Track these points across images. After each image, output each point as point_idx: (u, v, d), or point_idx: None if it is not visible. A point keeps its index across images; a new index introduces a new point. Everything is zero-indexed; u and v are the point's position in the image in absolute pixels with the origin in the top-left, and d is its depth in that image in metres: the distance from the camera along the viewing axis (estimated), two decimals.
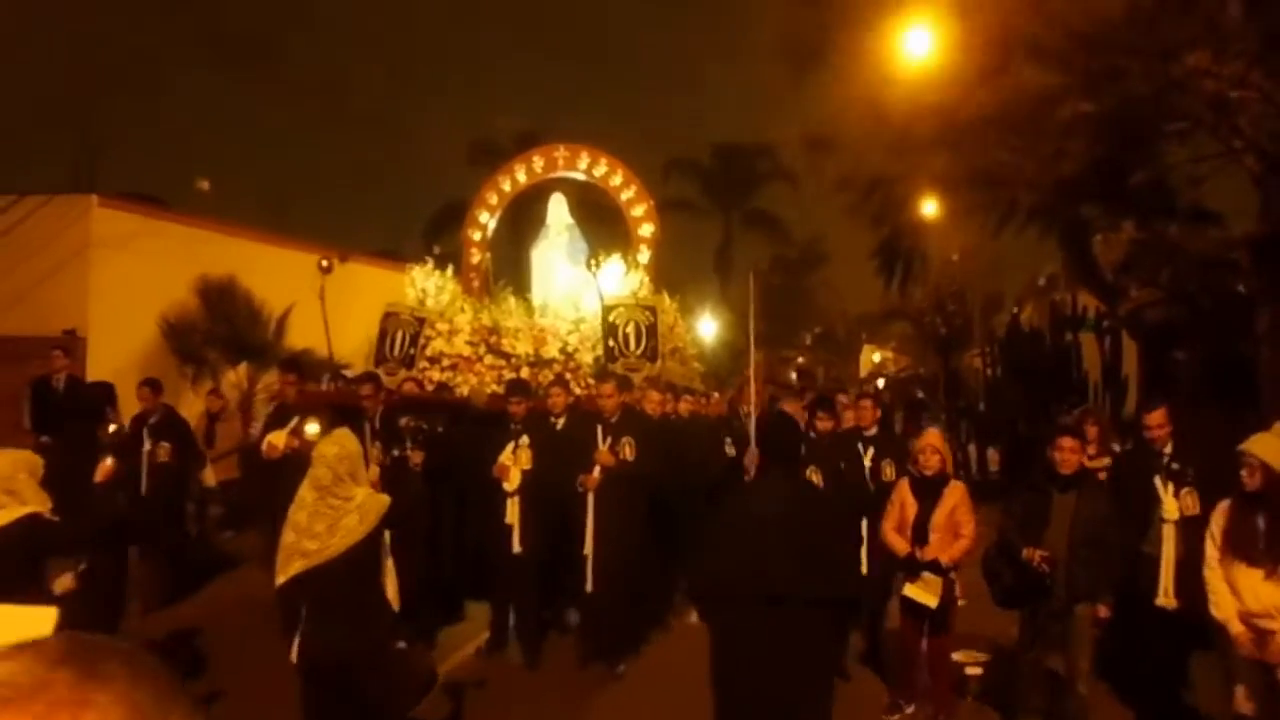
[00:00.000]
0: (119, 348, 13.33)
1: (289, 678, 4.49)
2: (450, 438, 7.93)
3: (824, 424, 7.49)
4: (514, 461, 7.24)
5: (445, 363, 9.72)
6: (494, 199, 11.75)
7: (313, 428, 6.57)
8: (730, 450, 9.37)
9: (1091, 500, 5.56)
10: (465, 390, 9.25)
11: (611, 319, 9.12)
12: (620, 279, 10.04)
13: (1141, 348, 17.22)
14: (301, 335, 14.56)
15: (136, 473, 8.83)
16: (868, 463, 7.19)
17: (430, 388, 9.30)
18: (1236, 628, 4.80)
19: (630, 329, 9.08)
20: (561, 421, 7.62)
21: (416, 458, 7.22)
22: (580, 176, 11.56)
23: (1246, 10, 11.05)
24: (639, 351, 9.01)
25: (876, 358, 51.42)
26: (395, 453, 7.25)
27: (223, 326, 14.59)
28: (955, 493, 6.04)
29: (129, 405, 9.50)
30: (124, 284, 13.78)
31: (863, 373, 47.20)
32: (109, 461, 6.86)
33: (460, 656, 7.50)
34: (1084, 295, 18.65)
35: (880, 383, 38.86)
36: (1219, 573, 4.94)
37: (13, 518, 4.51)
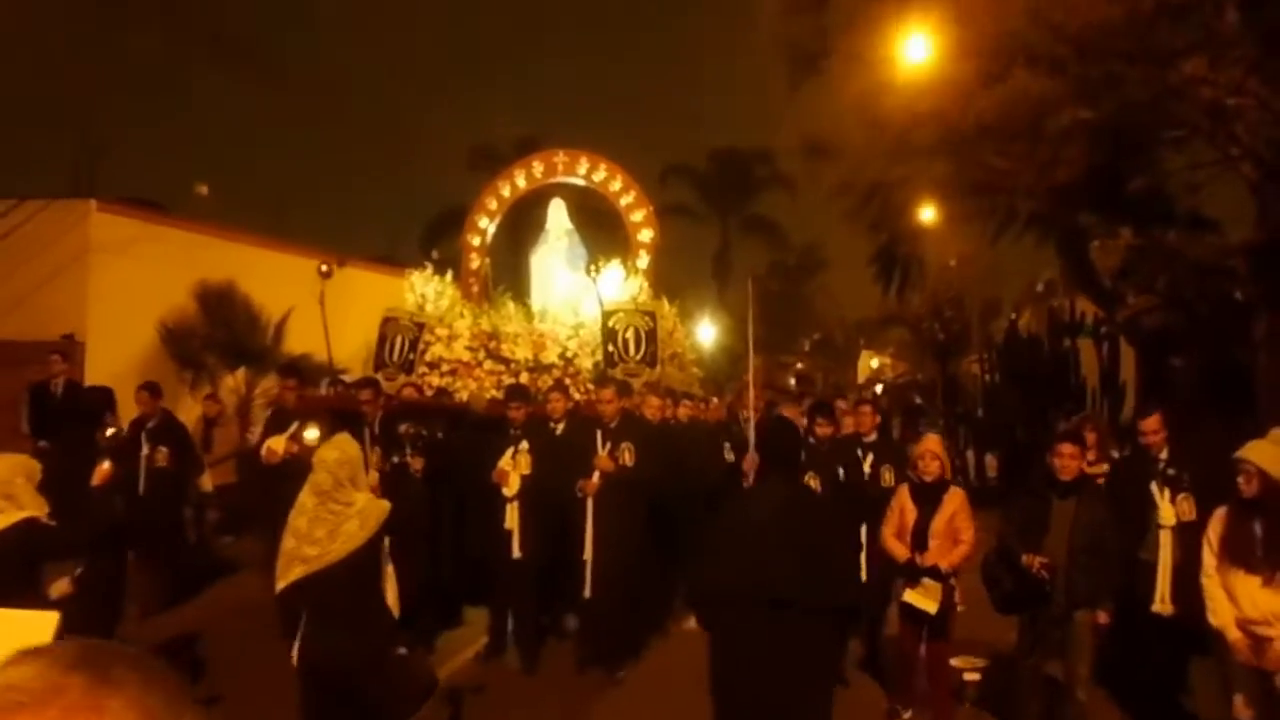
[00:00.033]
0: (117, 353, 13.32)
1: (288, 683, 4.49)
2: (449, 443, 7.94)
3: (823, 430, 7.50)
4: (513, 467, 7.25)
5: (444, 368, 9.74)
6: (494, 204, 11.77)
7: (312, 433, 6.58)
8: (729, 456, 9.38)
9: (1091, 506, 5.57)
10: (464, 395, 9.26)
11: (611, 324, 9.14)
12: (620, 284, 10.06)
13: (1139, 354, 17.23)
14: (300, 340, 14.56)
15: (134, 477, 8.83)
16: (867, 469, 7.21)
17: (429, 393, 9.31)
18: (1234, 635, 4.80)
19: (630, 334, 9.09)
20: (561, 427, 7.63)
21: (417, 464, 7.23)
22: (580, 182, 11.59)
23: (1243, 18, 11.08)
24: (638, 357, 9.02)
25: (874, 363, 51.46)
26: (395, 459, 7.25)
27: (221, 331, 14.58)
28: (955, 499, 6.04)
29: (128, 410, 9.50)
30: (123, 289, 13.77)
31: (860, 378, 47.21)
32: (106, 465, 6.86)
33: (459, 662, 7.50)
34: (1082, 301, 18.67)
35: (878, 388, 38.88)
36: (1216, 580, 4.94)
37: (9, 522, 4.52)
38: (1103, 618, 5.50)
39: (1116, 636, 5.81)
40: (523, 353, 9.64)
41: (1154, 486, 6.08)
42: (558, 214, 11.65)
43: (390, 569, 4.61)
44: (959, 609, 6.03)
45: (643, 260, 10.85)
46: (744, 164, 34.79)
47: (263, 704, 5.47)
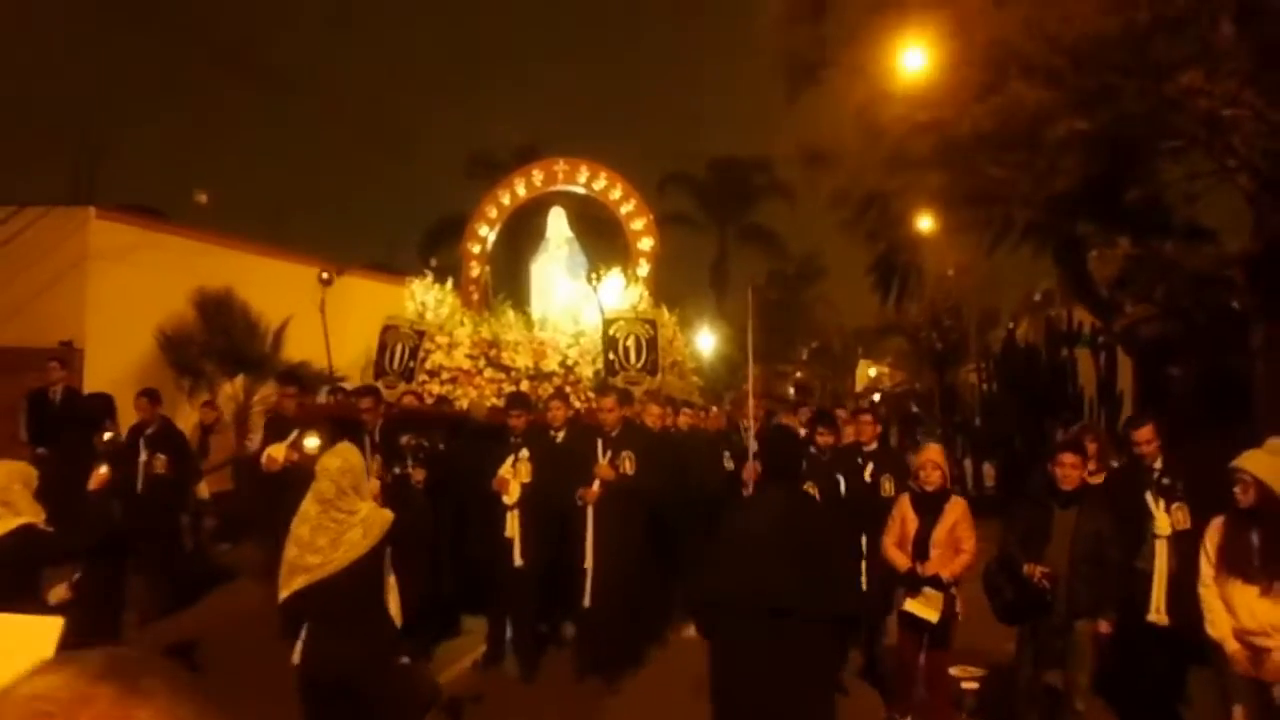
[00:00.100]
0: (116, 359, 13.32)
1: (288, 692, 4.49)
2: (450, 453, 7.93)
3: (824, 439, 7.52)
4: (514, 475, 7.25)
5: (445, 376, 9.74)
6: (493, 212, 11.80)
7: (312, 441, 6.57)
8: (729, 464, 9.39)
9: (1092, 516, 5.57)
10: (465, 403, 9.27)
11: (612, 332, 9.15)
12: (620, 292, 10.07)
13: (1136, 363, 17.27)
14: (298, 348, 14.56)
15: (132, 483, 8.82)
16: (867, 478, 7.22)
17: (430, 401, 9.31)
18: (1232, 646, 4.79)
19: (630, 342, 9.10)
20: (561, 435, 7.63)
21: (418, 475, 7.23)
22: (580, 190, 11.61)
23: (1239, 30, 11.12)
24: (639, 365, 9.03)
25: (872, 372, 51.50)
26: (396, 470, 7.24)
27: (220, 338, 14.58)
28: (956, 508, 6.05)
29: (127, 417, 9.49)
30: (121, 296, 13.78)
31: (858, 387, 47.23)
32: (103, 470, 6.84)
33: (457, 670, 7.49)
34: (1079, 311, 18.71)
35: (876, 397, 38.90)
36: (1214, 590, 4.94)
37: (7, 529, 4.52)
38: (1104, 627, 5.51)
39: (1115, 646, 5.81)
40: (523, 361, 9.66)
41: (1149, 496, 6.09)
42: (558, 222, 11.67)
43: (392, 579, 4.61)
44: (959, 617, 6.04)
45: (643, 268, 10.87)
46: (742, 173, 34.79)
47: (262, 713, 5.47)
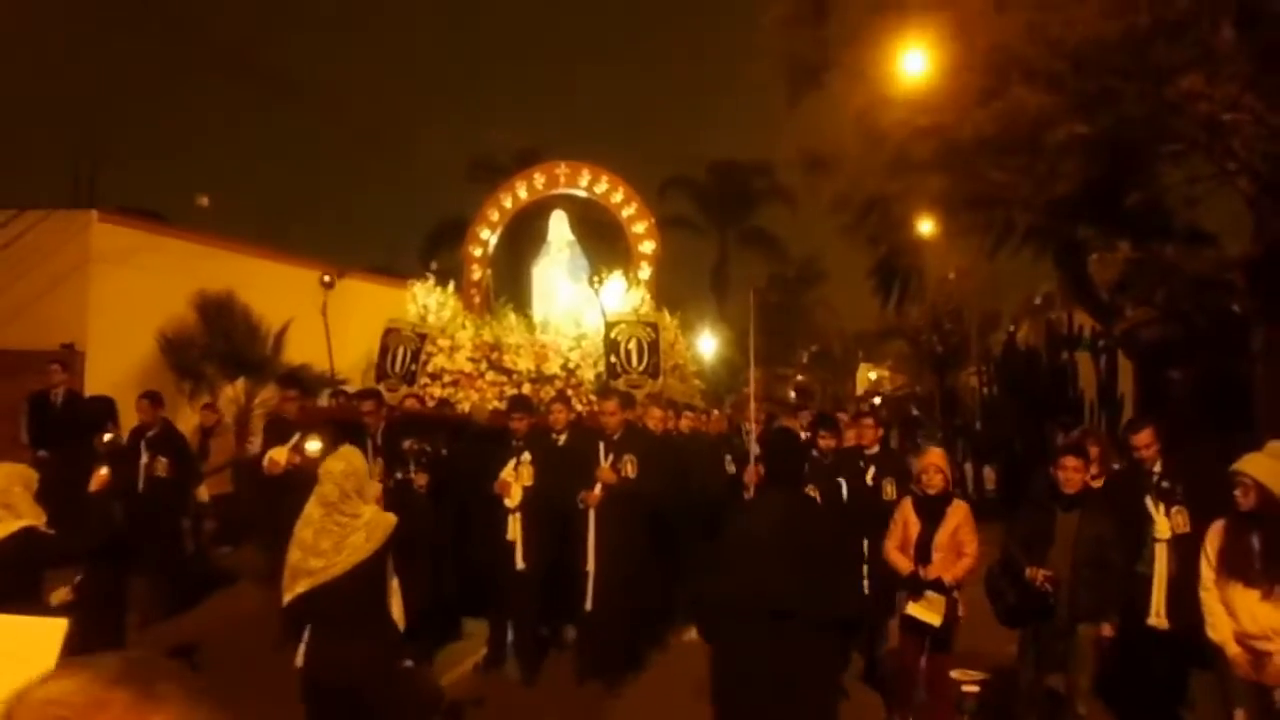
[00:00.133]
0: (117, 362, 13.33)
1: (289, 693, 4.49)
2: (452, 457, 7.93)
3: (827, 442, 7.53)
4: (515, 478, 7.25)
5: (446, 379, 9.75)
6: (495, 215, 11.80)
7: (314, 445, 6.57)
8: (730, 468, 9.39)
9: (1094, 520, 5.58)
10: (466, 406, 9.28)
11: (614, 335, 9.15)
12: (622, 296, 10.08)
13: (1137, 367, 17.28)
14: (299, 351, 14.58)
15: (133, 485, 8.82)
16: (869, 481, 7.23)
17: (431, 404, 9.31)
18: (1233, 649, 4.80)
19: (632, 345, 9.11)
20: (563, 438, 7.63)
21: (421, 480, 7.23)
22: (581, 193, 11.62)
23: (1239, 34, 11.14)
24: (641, 368, 9.03)
25: (873, 376, 51.49)
26: (399, 475, 7.23)
27: (221, 342, 14.59)
28: (958, 512, 6.05)
29: (128, 420, 9.50)
30: (123, 299, 13.79)
31: (859, 391, 47.22)
32: (104, 471, 6.84)
33: (458, 674, 7.49)
34: (1080, 314, 18.72)
35: (876, 401, 38.90)
36: (1215, 594, 4.94)
37: (8, 532, 4.52)
38: (1107, 631, 5.51)
39: (1116, 650, 5.82)
40: (525, 364, 9.66)
41: (1148, 500, 6.09)
42: (559, 225, 11.68)
43: (395, 582, 4.61)
44: (961, 621, 6.05)
45: (644, 272, 10.88)
46: (743, 177, 34.79)
47: (263, 716, 5.47)
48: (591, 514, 7.15)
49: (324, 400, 10.71)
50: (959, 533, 5.98)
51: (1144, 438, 6.22)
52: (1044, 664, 5.71)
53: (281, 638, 6.71)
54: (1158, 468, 6.17)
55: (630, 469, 7.15)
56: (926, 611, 5.91)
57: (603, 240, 13.67)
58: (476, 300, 11.26)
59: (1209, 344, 14.46)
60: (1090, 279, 17.20)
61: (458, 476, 7.70)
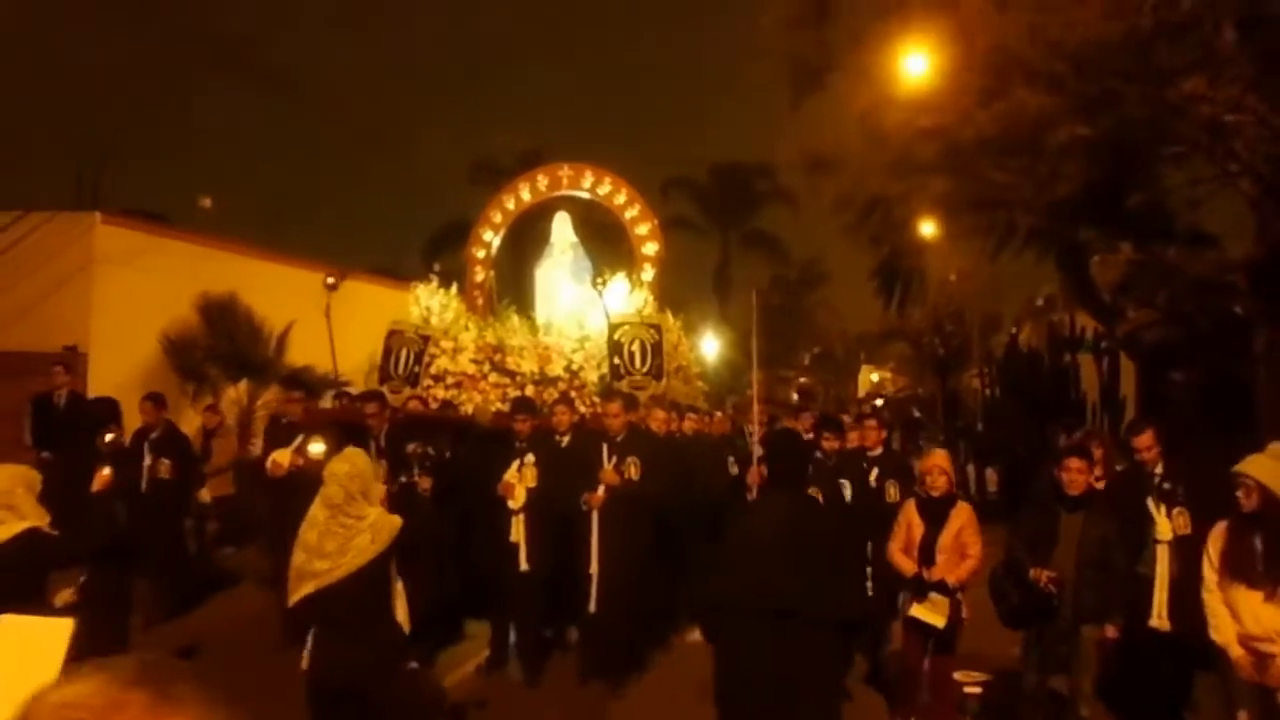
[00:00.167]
0: (120, 364, 13.34)
1: (292, 695, 4.50)
2: (455, 458, 7.94)
3: (830, 444, 7.54)
4: (519, 479, 7.26)
5: (449, 380, 9.75)
6: (498, 217, 11.81)
7: (317, 447, 6.59)
8: (733, 469, 9.39)
9: (1098, 521, 5.58)
10: (469, 408, 9.28)
11: (617, 337, 9.16)
12: (625, 297, 10.09)
13: (1139, 369, 17.26)
14: (301, 352, 14.59)
15: (136, 486, 8.83)
16: (872, 483, 7.23)
17: (434, 405, 9.32)
18: (1236, 651, 4.79)
19: (635, 347, 9.11)
20: (566, 439, 7.64)
21: (425, 483, 7.23)
22: (584, 195, 11.63)
23: (1241, 36, 11.14)
24: (644, 370, 9.04)
25: (875, 378, 51.43)
26: (402, 479, 7.24)
27: (224, 343, 14.59)
28: (962, 514, 6.05)
29: (131, 421, 9.51)
30: (126, 300, 13.81)
31: (860, 393, 47.18)
32: (106, 471, 6.85)
33: (460, 675, 7.49)
34: (1082, 316, 18.71)
35: (878, 403, 38.88)
36: (1218, 595, 4.94)
37: (12, 533, 4.53)
38: (1111, 632, 5.51)
39: (1119, 652, 5.82)
40: (528, 365, 9.67)
41: (1150, 502, 6.09)
42: (563, 227, 11.68)
43: (400, 585, 4.61)
44: (964, 622, 6.05)
45: (647, 273, 10.88)
46: (744, 178, 34.78)
47: (265, 717, 5.47)
48: (595, 516, 7.15)
49: (327, 402, 10.71)
50: (963, 534, 5.99)
51: (1145, 440, 6.22)
52: (1047, 666, 5.71)
53: (284, 639, 6.73)
54: (1159, 469, 6.17)
55: (633, 471, 7.15)
56: (930, 613, 5.92)
57: (605, 242, 13.68)
58: (480, 302, 11.27)
59: (1211, 346, 14.46)
60: (1092, 281, 17.19)
61: (461, 479, 7.70)
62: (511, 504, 7.25)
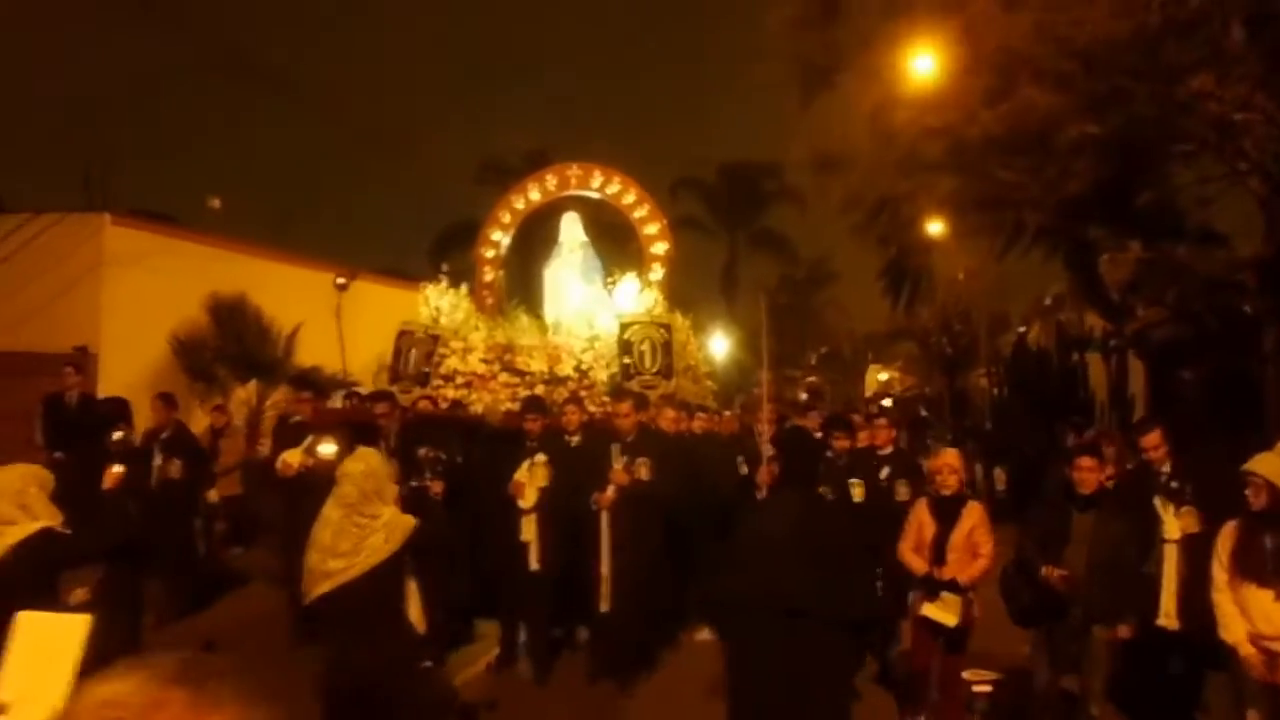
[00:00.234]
0: (130, 364, 13.39)
1: (303, 695, 4.51)
2: (467, 463, 7.94)
3: (841, 443, 7.54)
4: (529, 479, 7.27)
5: (459, 380, 9.76)
6: (507, 217, 11.82)
7: (328, 447, 6.60)
8: (743, 468, 9.39)
9: (1110, 520, 5.57)
10: (479, 408, 9.29)
11: (627, 336, 9.17)
12: (635, 297, 10.10)
13: (1148, 367, 17.24)
14: (310, 353, 14.64)
15: (146, 486, 8.85)
16: (882, 482, 7.23)
17: (445, 405, 9.33)
18: (1247, 650, 4.78)
19: (645, 346, 9.12)
20: (577, 439, 7.65)
21: (436, 487, 7.24)
22: (593, 195, 11.63)
23: (1250, 34, 11.13)
24: (654, 369, 9.04)
25: (882, 377, 51.34)
26: (413, 483, 7.24)
27: (233, 344, 14.65)
28: (973, 513, 6.04)
29: (141, 422, 9.54)
30: (136, 301, 13.87)
31: (868, 392, 47.11)
32: (118, 469, 6.86)
33: (470, 674, 7.50)
34: (1090, 315, 18.69)
35: (885, 402, 38.82)
36: (1228, 595, 4.92)
37: (26, 533, 4.54)
38: (1124, 632, 5.50)
39: (1129, 652, 5.81)
40: (537, 365, 9.67)
41: (1157, 501, 6.07)
42: (572, 227, 11.65)
43: (414, 585, 4.62)
44: (975, 622, 6.04)
45: (656, 273, 10.88)
46: (752, 178, 34.79)
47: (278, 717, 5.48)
48: (605, 516, 7.16)
49: (336, 402, 10.74)
50: (974, 534, 5.97)
51: (1152, 439, 6.20)
52: (1058, 665, 5.71)
53: (295, 638, 6.76)
54: (1167, 468, 6.15)
55: (643, 471, 7.16)
56: (941, 612, 5.90)
57: (613, 242, 13.67)
58: (489, 302, 11.27)
59: (1220, 344, 14.44)
60: (1101, 279, 17.17)
61: (472, 481, 7.72)
62: (521, 504, 7.27)
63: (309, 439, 7.40)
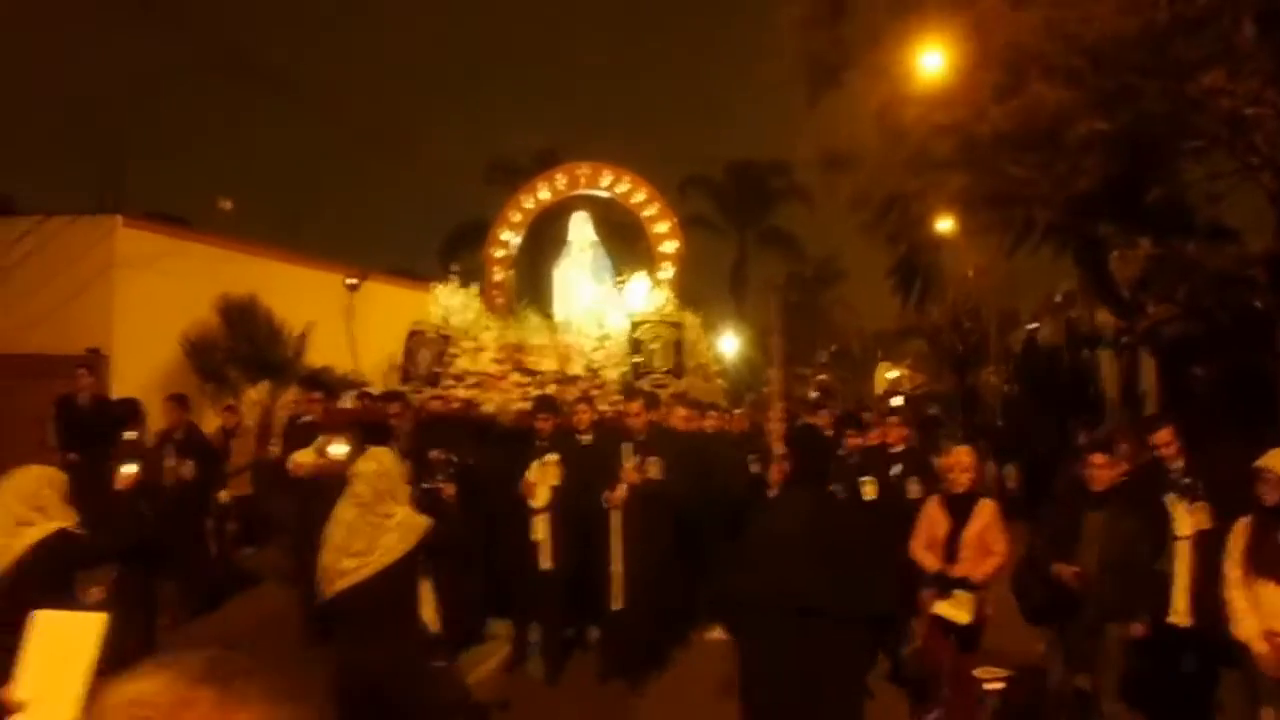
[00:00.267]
0: (142, 366, 13.45)
1: (315, 694, 4.53)
2: (480, 464, 7.94)
3: (854, 441, 7.54)
4: (541, 478, 7.28)
5: (470, 380, 9.78)
6: (517, 217, 11.84)
7: (339, 448, 6.62)
8: (755, 467, 9.39)
9: (1123, 518, 5.56)
10: (491, 407, 9.31)
11: (638, 335, 9.19)
12: (646, 295, 10.11)
13: (1159, 364, 17.19)
14: (320, 353, 14.68)
15: (158, 487, 8.88)
16: (892, 479, 7.23)
17: (456, 405, 9.35)
18: (1260, 647, 4.77)
19: (656, 345, 9.14)
20: (588, 438, 7.66)
21: (449, 490, 7.25)
22: (603, 194, 11.65)
23: (1260, 29, 11.09)
24: (665, 368, 9.06)
25: (891, 375, 51.21)
26: (425, 486, 7.25)
27: (244, 345, 14.69)
28: (986, 511, 6.01)
29: (154, 423, 9.58)
30: (147, 303, 13.92)
31: (877, 390, 47.01)
32: (130, 469, 6.88)
33: (481, 674, 7.51)
34: (1101, 312, 18.64)
35: (895, 400, 38.75)
36: (1241, 592, 4.91)
37: (43, 534, 4.57)
38: (1138, 630, 5.49)
39: (1143, 649, 5.79)
40: (548, 365, 9.69)
41: (1169, 498, 6.05)
42: (582, 227, 11.66)
43: (428, 585, 4.63)
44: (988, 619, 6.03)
45: (667, 271, 10.89)
46: (760, 176, 34.78)
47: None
48: (617, 515, 7.17)
49: (347, 402, 10.76)
50: (987, 531, 5.95)
51: (1164, 435, 6.16)
52: (1072, 663, 5.70)
53: (306, 639, 6.78)
54: (1178, 465, 6.13)
55: (655, 470, 7.17)
56: (954, 610, 5.89)
57: (623, 241, 13.69)
58: (499, 302, 11.29)
59: (1232, 340, 14.39)
60: (1111, 276, 17.13)
61: (484, 481, 7.72)
62: (533, 503, 7.28)
63: (319, 439, 7.43)
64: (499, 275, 11.64)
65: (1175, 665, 6.03)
